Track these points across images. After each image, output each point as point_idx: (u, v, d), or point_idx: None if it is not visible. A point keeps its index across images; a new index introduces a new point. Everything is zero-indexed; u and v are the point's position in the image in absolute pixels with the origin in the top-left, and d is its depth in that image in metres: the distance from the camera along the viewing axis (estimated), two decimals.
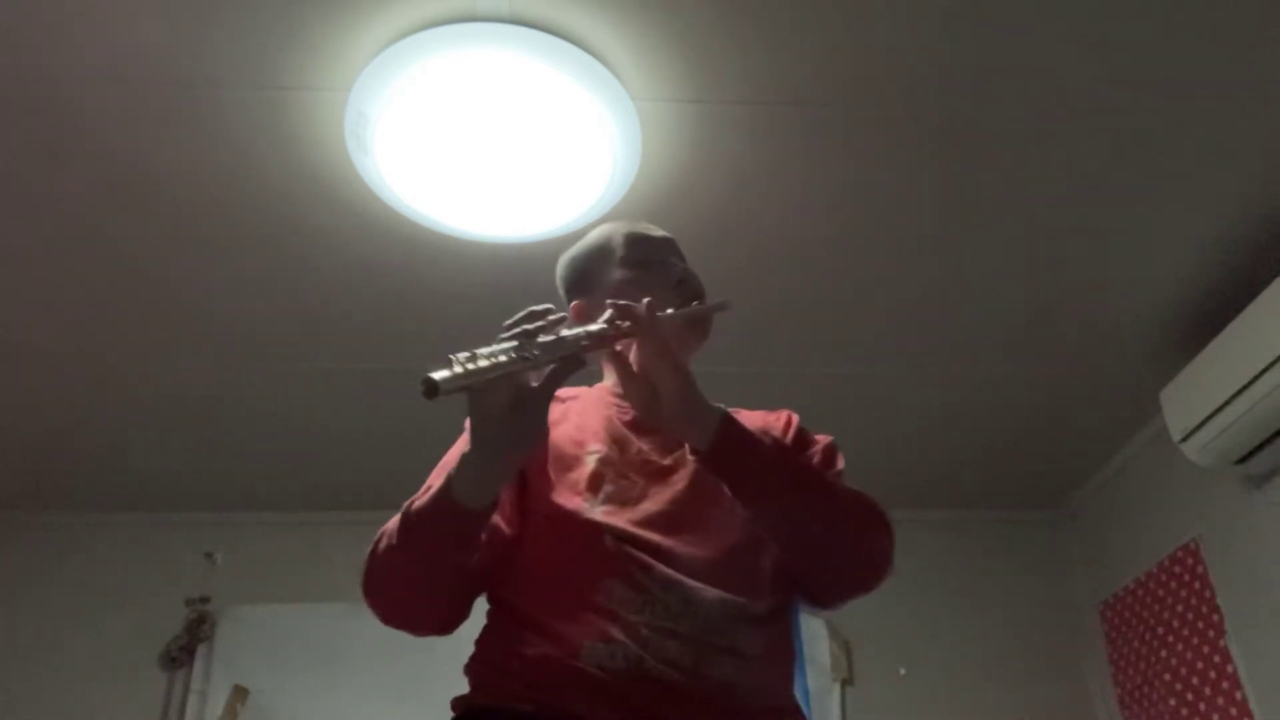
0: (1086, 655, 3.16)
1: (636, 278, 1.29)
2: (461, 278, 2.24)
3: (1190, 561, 2.75)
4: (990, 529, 3.28)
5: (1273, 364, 2.12)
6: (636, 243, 1.34)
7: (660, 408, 1.05)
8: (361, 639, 2.94)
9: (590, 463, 1.15)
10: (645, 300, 1.07)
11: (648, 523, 1.10)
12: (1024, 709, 3.01)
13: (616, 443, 1.18)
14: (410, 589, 1.08)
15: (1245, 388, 2.21)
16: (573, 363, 1.00)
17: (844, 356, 2.56)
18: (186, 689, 2.89)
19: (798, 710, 1.13)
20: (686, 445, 1.10)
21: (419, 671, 2.88)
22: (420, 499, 1.03)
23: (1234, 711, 2.52)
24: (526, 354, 0.93)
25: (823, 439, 1.27)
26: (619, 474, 1.15)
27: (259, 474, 3.01)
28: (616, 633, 1.02)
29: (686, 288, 1.30)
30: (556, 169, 1.92)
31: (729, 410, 1.07)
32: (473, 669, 1.12)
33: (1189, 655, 2.71)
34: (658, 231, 1.39)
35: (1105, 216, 2.14)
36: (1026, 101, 1.85)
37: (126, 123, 1.83)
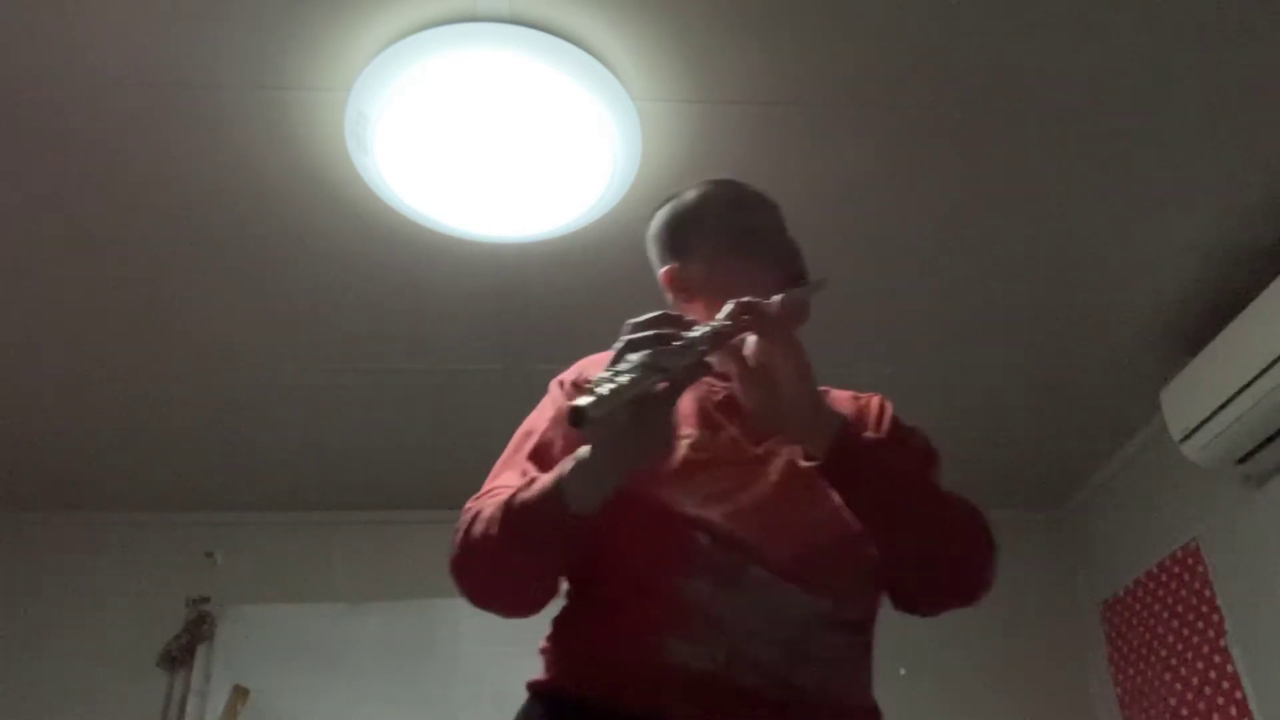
0: (1086, 655, 3.16)
1: (737, 246, 1.21)
2: (461, 278, 2.24)
3: (1190, 561, 2.75)
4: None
5: (1273, 364, 2.12)
6: (739, 207, 1.25)
7: (779, 411, 1.00)
8: (361, 639, 2.95)
9: (682, 447, 1.08)
10: (776, 299, 1.00)
11: (741, 519, 1.04)
12: (1024, 709, 3.01)
13: (709, 426, 1.12)
14: (507, 578, 1.04)
15: (1245, 388, 2.21)
16: (699, 369, 0.93)
17: (843, 357, 2.56)
18: (186, 689, 2.88)
19: (876, 710, 1.10)
20: (800, 450, 1.03)
21: (419, 671, 2.89)
22: (525, 493, 0.98)
23: (1234, 711, 2.52)
24: (662, 364, 0.87)
25: (919, 432, 1.22)
26: (711, 462, 1.08)
27: (259, 474, 3.01)
28: (703, 632, 0.98)
29: (790, 264, 1.23)
30: (556, 169, 1.92)
31: (846, 417, 1.02)
32: (552, 653, 1.08)
33: (1189, 655, 2.71)
34: (761, 197, 1.29)
35: (1106, 217, 2.14)
36: (1027, 102, 1.85)
37: (126, 123, 1.83)
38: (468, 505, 1.08)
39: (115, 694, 2.85)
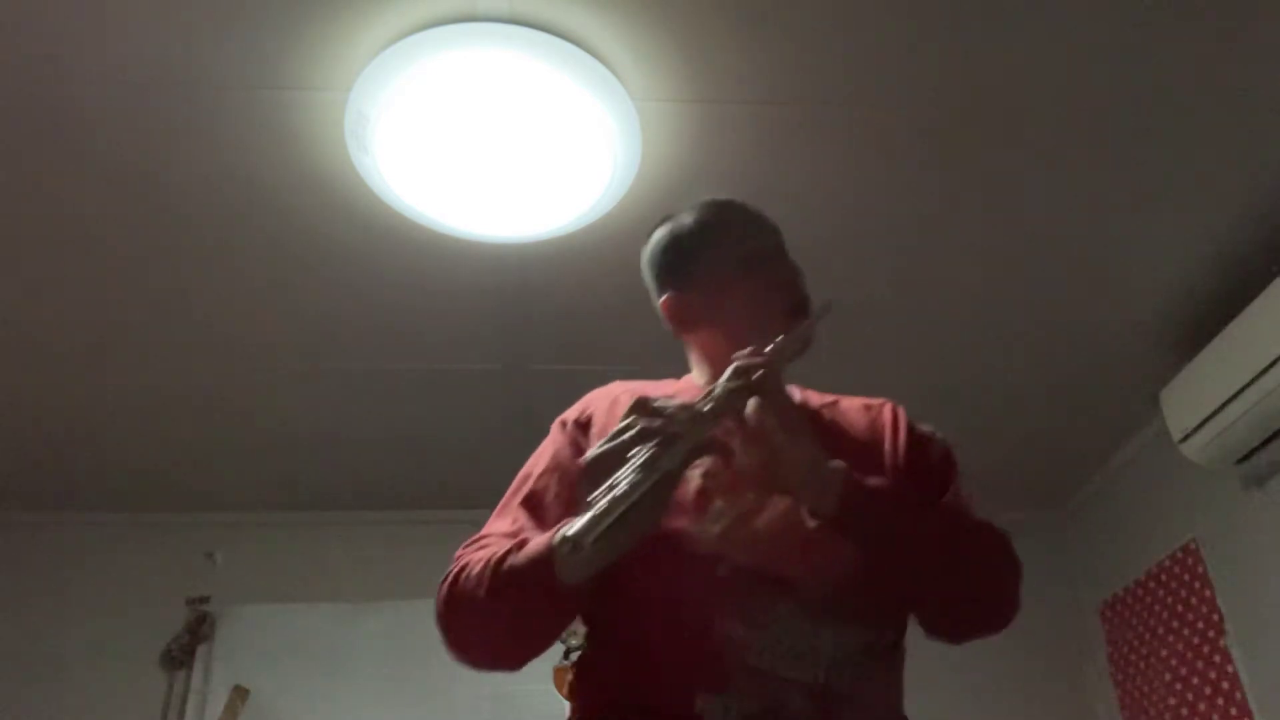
0: (1086, 655, 3.16)
1: (740, 275, 1.18)
2: (461, 278, 2.24)
3: (1190, 561, 2.75)
4: None
5: (1273, 364, 2.12)
6: (742, 235, 1.21)
7: (780, 470, 0.98)
8: (361, 639, 2.95)
9: (694, 476, 1.04)
10: (760, 362, 0.98)
11: (765, 547, 1.01)
12: (1023, 709, 3.01)
13: (722, 454, 1.08)
14: (494, 639, 1.02)
15: (1245, 388, 2.21)
16: (703, 451, 0.93)
17: (843, 357, 2.55)
18: (186, 689, 2.88)
19: None
20: (805, 509, 1.00)
21: (419, 672, 2.89)
22: (516, 557, 0.95)
23: (1234, 711, 2.52)
24: (663, 465, 0.88)
25: (935, 439, 1.18)
26: (727, 486, 1.04)
27: (259, 474, 3.01)
28: (736, 682, 0.95)
29: (793, 294, 1.19)
30: (556, 169, 1.92)
31: (848, 470, 0.98)
32: (581, 702, 1.06)
33: (1189, 655, 2.71)
34: (763, 219, 1.25)
35: (1105, 217, 2.14)
36: (1026, 102, 1.85)
37: (126, 123, 1.83)
38: (459, 553, 1.06)
39: (115, 694, 2.85)
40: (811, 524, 0.98)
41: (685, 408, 0.94)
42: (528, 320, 2.38)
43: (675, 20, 1.69)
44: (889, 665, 1.06)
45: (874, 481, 1.02)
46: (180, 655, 2.93)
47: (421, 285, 2.27)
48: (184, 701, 2.86)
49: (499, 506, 1.15)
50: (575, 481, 0.99)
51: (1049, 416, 2.87)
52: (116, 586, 3.03)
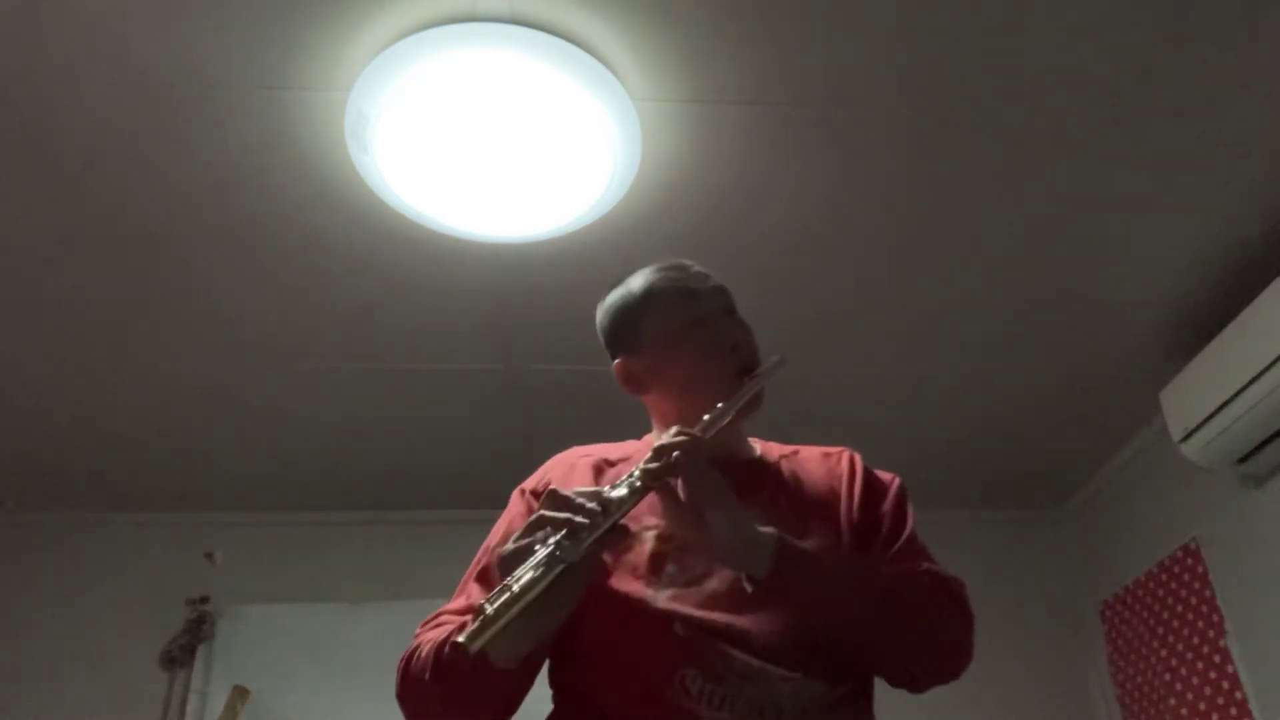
0: (1086, 655, 3.16)
1: (686, 338, 1.20)
2: (461, 278, 2.24)
3: (1190, 561, 2.75)
4: (990, 529, 3.27)
5: (1273, 364, 2.12)
6: (686, 297, 1.23)
7: (710, 540, 0.99)
8: (361, 639, 2.94)
9: (649, 540, 1.08)
10: (680, 445, 0.99)
11: (716, 604, 1.03)
12: (1024, 709, 3.01)
13: None
14: (444, 718, 1.06)
15: (1245, 388, 2.21)
16: (616, 534, 0.96)
17: (843, 356, 2.56)
18: (186, 689, 2.88)
19: None
20: (742, 576, 1.01)
21: None
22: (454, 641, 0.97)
23: (1234, 711, 2.52)
24: (562, 557, 0.90)
25: (890, 485, 1.21)
26: (680, 550, 1.07)
27: (259, 474, 3.01)
28: None
29: (741, 352, 1.21)
30: (556, 169, 1.92)
31: (780, 535, 1.00)
32: None
33: (1189, 655, 2.71)
34: (707, 282, 1.27)
35: (1105, 216, 2.14)
36: (1027, 102, 1.85)
37: (126, 123, 1.83)
38: (417, 632, 1.10)
39: (115, 694, 2.85)
40: (749, 588, 1.00)
41: (595, 495, 0.96)
42: (528, 320, 2.38)
43: (675, 20, 1.69)
44: (853, 715, 1.07)
45: (810, 543, 1.03)
46: (180, 655, 2.93)
47: (421, 285, 2.27)
48: (184, 701, 2.86)
49: (461, 582, 1.19)
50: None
51: (1049, 416, 2.87)
52: (116, 586, 3.03)
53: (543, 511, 0.95)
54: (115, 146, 1.88)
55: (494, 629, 0.86)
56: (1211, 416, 2.33)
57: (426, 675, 1.00)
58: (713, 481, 0.99)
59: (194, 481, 3.03)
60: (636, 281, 1.28)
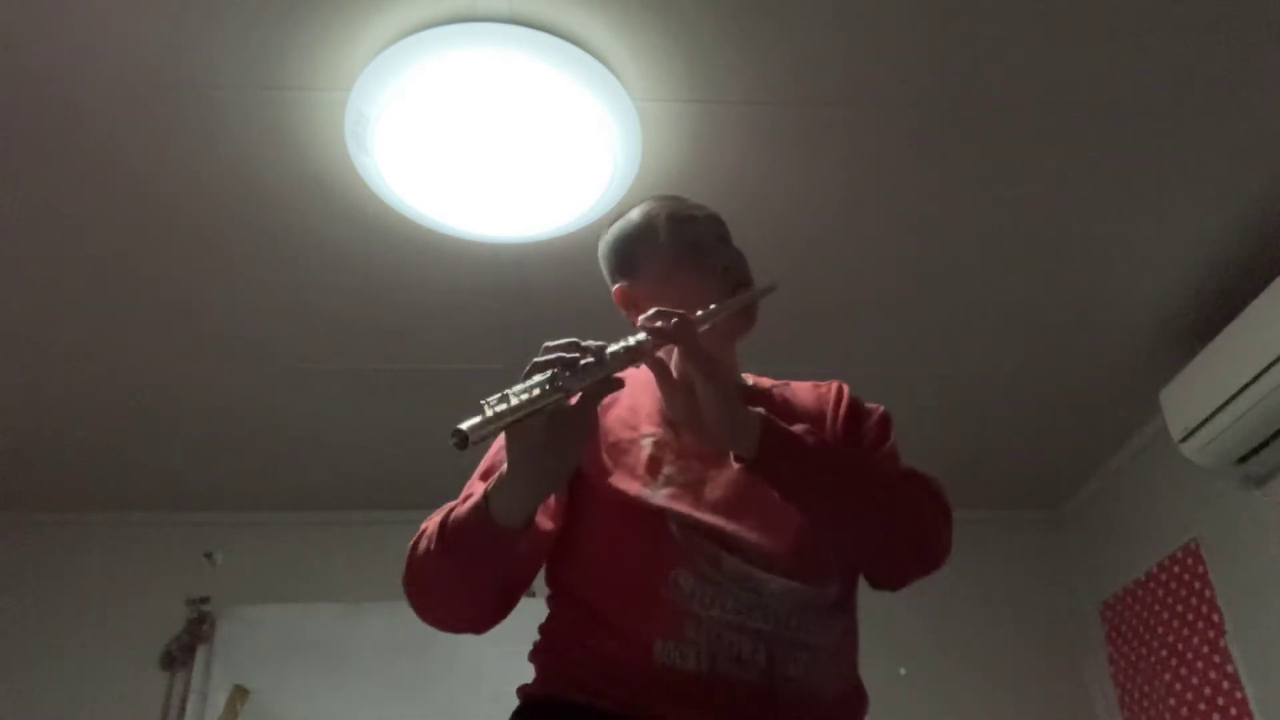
0: (1086, 655, 3.16)
1: (681, 262, 1.25)
2: (461, 278, 2.24)
3: (1190, 561, 2.75)
4: (990, 529, 3.27)
5: (1273, 364, 2.12)
6: (681, 224, 1.28)
7: (700, 417, 1.02)
8: (361, 639, 2.95)
9: (646, 446, 1.13)
10: (676, 317, 1.03)
11: (712, 508, 1.08)
12: (1024, 709, 3.01)
13: (670, 425, 1.15)
14: (447, 593, 1.08)
15: (1245, 388, 2.21)
16: (609, 384, 0.98)
17: (843, 356, 2.56)
18: (186, 689, 2.88)
19: (861, 691, 1.13)
20: (730, 453, 1.05)
21: (418, 671, 2.89)
22: (459, 509, 1.02)
23: (1234, 711, 2.52)
24: (560, 385, 0.92)
25: (875, 410, 1.25)
26: (676, 455, 1.12)
27: (259, 474, 3.01)
28: (689, 630, 1.01)
29: (733, 274, 1.26)
30: (556, 169, 1.92)
31: (767, 415, 1.03)
32: (541, 659, 1.10)
33: (1189, 655, 2.71)
34: (702, 210, 1.33)
35: (1105, 217, 2.14)
36: (1026, 101, 1.85)
37: (126, 123, 1.83)
38: (423, 524, 1.11)
39: (115, 694, 2.85)
40: (736, 466, 1.04)
41: (602, 345, 0.99)
42: (528, 320, 2.38)
43: (675, 20, 1.69)
44: (838, 621, 1.11)
45: (797, 428, 1.05)
46: (180, 655, 2.93)
47: (421, 285, 2.27)
48: (184, 701, 2.86)
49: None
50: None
51: (1049, 416, 2.87)
52: (116, 586, 3.03)
53: (538, 359, 0.96)
54: (115, 147, 1.88)
55: (493, 426, 0.86)
56: (1211, 416, 2.33)
57: (434, 545, 1.01)
58: (704, 354, 1.01)
59: (194, 481, 3.03)
60: (635, 212, 1.33)
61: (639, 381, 1.21)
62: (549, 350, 0.97)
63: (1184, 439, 2.45)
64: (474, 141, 1.85)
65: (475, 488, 1.14)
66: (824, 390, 1.28)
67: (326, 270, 2.21)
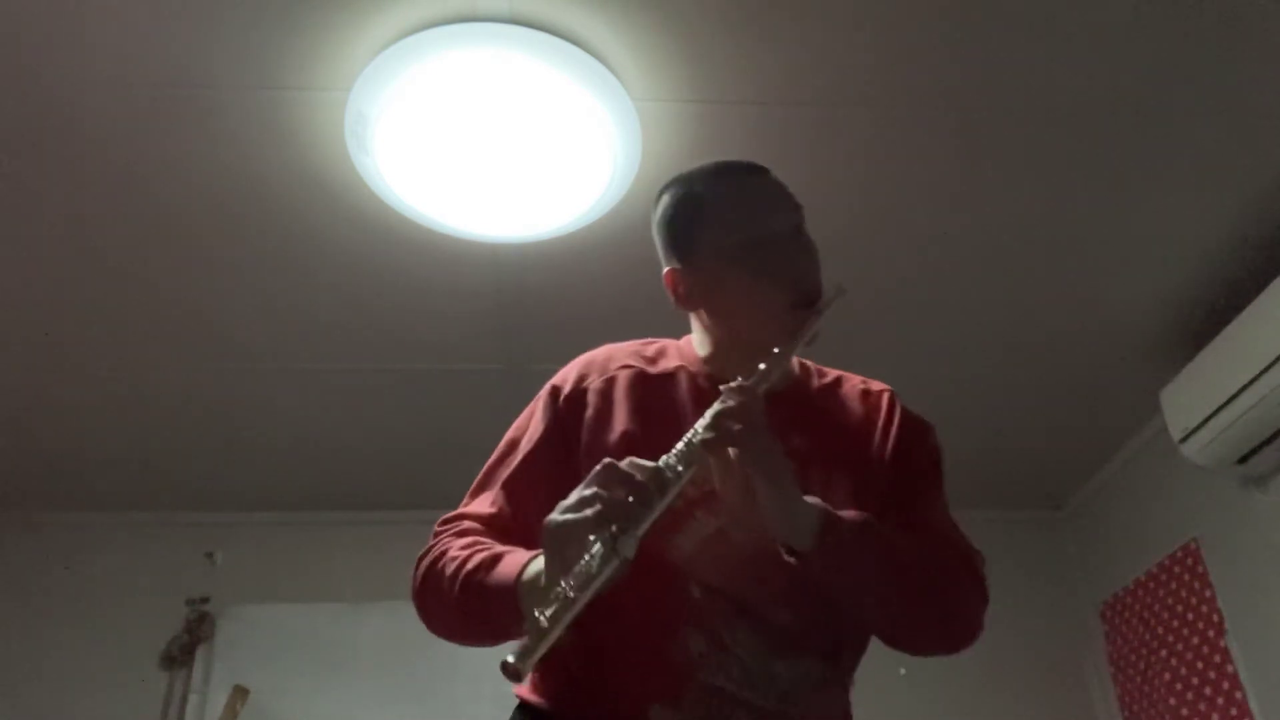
0: (1086, 655, 3.16)
1: (746, 262, 1.09)
2: (461, 278, 2.24)
3: (1190, 561, 2.75)
4: (990, 529, 3.24)
5: (1273, 364, 2.12)
6: (748, 212, 1.11)
7: (757, 510, 0.95)
8: (361, 639, 2.95)
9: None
10: (739, 419, 0.93)
11: (734, 571, 1.00)
12: (1024, 709, 3.01)
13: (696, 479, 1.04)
14: (460, 632, 1.06)
15: (1245, 388, 2.21)
16: (658, 520, 0.90)
17: (843, 356, 2.55)
18: (186, 689, 2.88)
19: None
20: (780, 545, 0.97)
21: (419, 671, 2.89)
22: (485, 575, 0.96)
23: (1234, 711, 2.52)
24: (620, 553, 0.85)
25: (926, 437, 1.17)
26: (701, 513, 1.02)
27: (259, 474, 3.01)
28: (688, 696, 0.97)
29: (803, 286, 1.11)
30: (556, 169, 1.92)
31: (826, 510, 0.96)
32: (541, 675, 1.07)
33: (1189, 655, 2.71)
34: (775, 196, 1.15)
35: (1106, 217, 2.14)
36: (1026, 101, 1.85)
37: (126, 123, 1.83)
38: (436, 530, 1.08)
39: (115, 694, 2.85)
40: (788, 559, 0.96)
41: (656, 475, 0.90)
42: (528, 320, 2.38)
43: (675, 20, 1.69)
44: (837, 700, 1.08)
45: (849, 515, 0.98)
46: (180, 655, 2.93)
47: (421, 285, 2.27)
48: (184, 701, 2.87)
49: (483, 473, 1.16)
50: (551, 482, 0.99)
51: (1049, 416, 2.87)
52: (116, 586, 3.03)
53: (597, 489, 0.88)
54: (115, 147, 1.88)
55: (546, 641, 0.82)
56: (1211, 416, 2.33)
57: (452, 593, 0.98)
58: (768, 455, 0.94)
59: (194, 481, 3.03)
60: (700, 185, 1.15)
61: (671, 384, 1.12)
62: (601, 496, 0.88)
63: (1184, 439, 2.45)
64: (474, 141, 1.85)
65: (496, 501, 1.09)
66: (874, 399, 1.18)
67: (326, 270, 2.21)
